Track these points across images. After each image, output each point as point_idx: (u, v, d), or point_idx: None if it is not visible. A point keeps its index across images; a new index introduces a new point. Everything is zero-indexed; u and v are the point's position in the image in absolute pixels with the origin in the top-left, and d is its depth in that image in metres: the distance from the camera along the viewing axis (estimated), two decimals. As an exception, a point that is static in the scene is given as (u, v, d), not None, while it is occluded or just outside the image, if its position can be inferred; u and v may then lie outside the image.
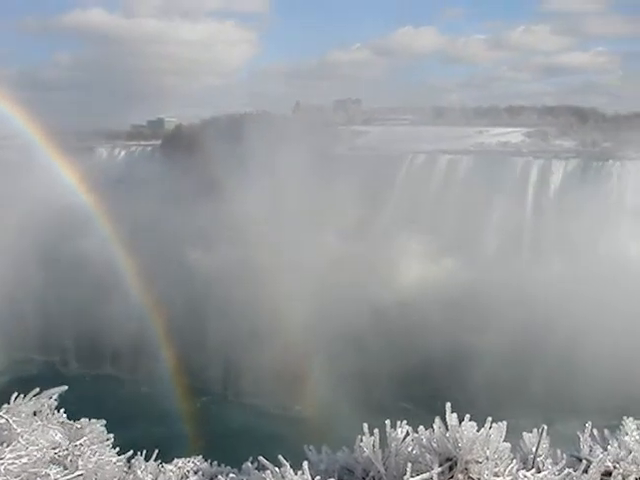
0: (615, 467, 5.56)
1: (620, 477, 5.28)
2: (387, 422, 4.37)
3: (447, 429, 4.18)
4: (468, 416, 4.16)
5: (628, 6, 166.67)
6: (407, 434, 4.45)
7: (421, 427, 4.30)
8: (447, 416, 4.14)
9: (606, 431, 5.90)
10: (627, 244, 54.38)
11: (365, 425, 4.20)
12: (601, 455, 5.59)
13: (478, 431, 4.18)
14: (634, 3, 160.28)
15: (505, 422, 4.30)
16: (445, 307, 47.59)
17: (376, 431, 4.29)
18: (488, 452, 4.21)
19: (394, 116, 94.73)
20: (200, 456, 6.72)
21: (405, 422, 4.45)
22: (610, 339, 40.97)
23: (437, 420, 4.17)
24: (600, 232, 54.62)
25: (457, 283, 51.36)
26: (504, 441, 4.32)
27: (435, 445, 4.24)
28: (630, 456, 5.72)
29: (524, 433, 4.86)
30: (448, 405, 4.16)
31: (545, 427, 4.92)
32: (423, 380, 40.95)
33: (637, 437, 5.95)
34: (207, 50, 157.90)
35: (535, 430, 4.96)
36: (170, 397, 42.46)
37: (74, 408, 6.03)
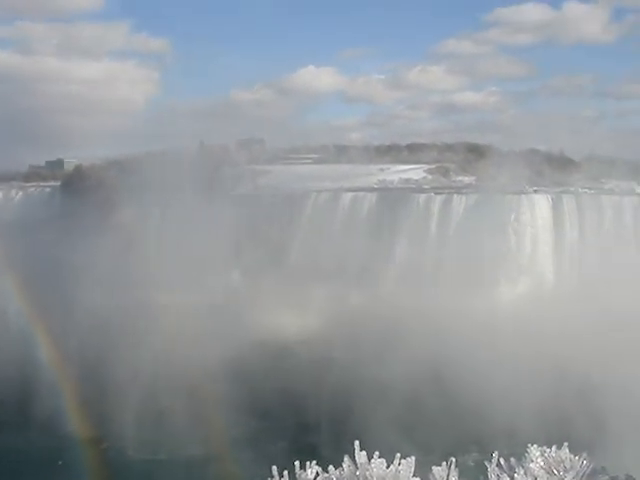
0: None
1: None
2: (296, 463, 4.30)
3: (357, 467, 4.15)
4: (377, 453, 4.14)
5: (515, 49, 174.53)
6: (317, 474, 4.39)
7: (330, 467, 4.24)
8: (356, 454, 4.11)
9: (512, 459, 5.99)
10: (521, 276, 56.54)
11: (274, 468, 4.12)
12: (508, 484, 5.66)
13: (388, 467, 4.17)
14: (520, 47, 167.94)
15: (413, 457, 4.30)
16: (350, 343, 47.81)
17: (286, 473, 4.21)
18: (398, 488, 4.20)
19: (297, 155, 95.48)
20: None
21: (315, 462, 4.39)
22: (512, 368, 41.82)
23: (346, 459, 4.13)
24: (499, 264, 56.37)
25: (362, 317, 51.69)
26: (414, 476, 4.32)
27: (346, 484, 4.20)
28: (535, 483, 5.83)
29: (433, 467, 4.87)
30: (356, 443, 4.13)
31: (454, 460, 4.95)
32: (329, 417, 40.63)
33: (542, 464, 6.08)
34: (109, 89, 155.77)
35: (444, 463, 4.98)
36: (65, 448, 40.59)
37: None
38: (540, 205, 59.11)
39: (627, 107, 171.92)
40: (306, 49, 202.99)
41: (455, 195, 62.90)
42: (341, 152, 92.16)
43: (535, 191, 60.08)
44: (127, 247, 59.36)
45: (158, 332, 48.93)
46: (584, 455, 6.20)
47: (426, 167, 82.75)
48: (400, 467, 4.24)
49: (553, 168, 61.77)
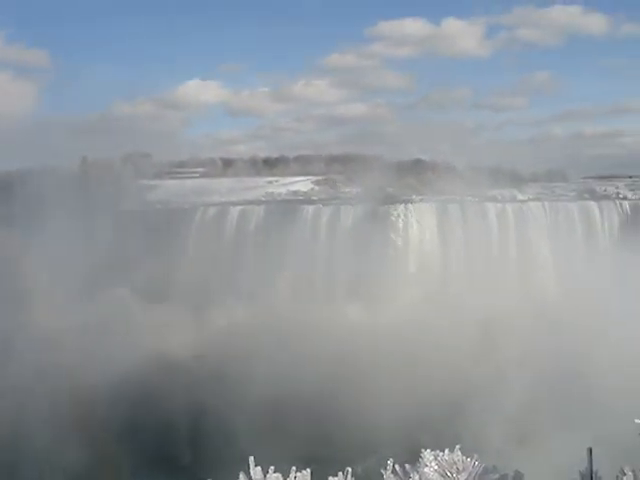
0: (417, 499, 5.71)
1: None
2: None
3: (252, 483, 4.08)
4: (272, 468, 4.09)
5: (398, 63, 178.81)
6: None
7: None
8: (251, 470, 4.04)
9: (407, 465, 6.06)
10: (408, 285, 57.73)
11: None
12: (404, 490, 5.72)
13: (284, 482, 4.12)
14: (403, 60, 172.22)
15: (309, 470, 4.26)
16: (241, 358, 47.49)
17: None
18: (295, 501, 4.15)
19: (184, 169, 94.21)
20: None
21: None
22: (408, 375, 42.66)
23: (241, 475, 4.05)
24: (386, 273, 57.34)
25: (252, 331, 51.47)
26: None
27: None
28: (431, 487, 5.90)
29: (330, 478, 4.85)
30: (251, 459, 4.06)
31: (350, 470, 4.94)
32: (219, 432, 40.16)
33: (436, 467, 6.17)
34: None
35: (340, 474, 4.97)
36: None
37: None
38: (426, 214, 60.65)
39: (504, 118, 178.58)
40: (190, 62, 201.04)
41: (342, 206, 63.60)
42: (228, 165, 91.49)
43: (421, 200, 61.44)
44: (5, 267, 56.96)
45: (42, 355, 47.29)
46: (475, 456, 6.34)
47: (314, 179, 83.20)
48: (296, 480, 4.20)
49: (437, 177, 63.42)
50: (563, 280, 52.76)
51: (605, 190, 67.56)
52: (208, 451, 38.05)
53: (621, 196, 64.77)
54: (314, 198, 71.13)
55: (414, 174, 63.16)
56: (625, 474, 5.79)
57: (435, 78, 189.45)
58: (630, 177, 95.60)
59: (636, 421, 7.09)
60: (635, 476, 5.82)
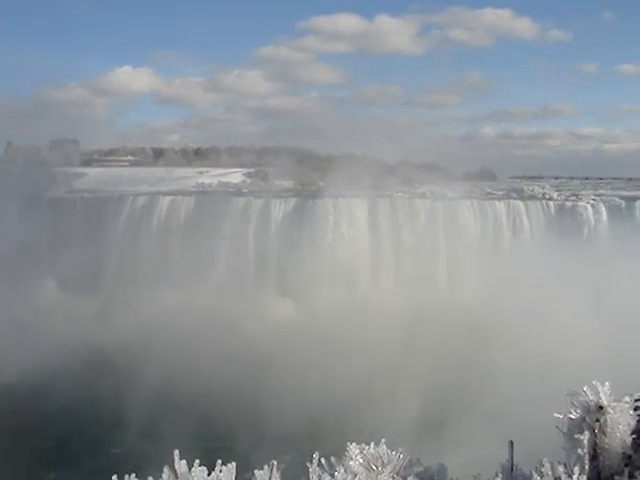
0: (343, 492, 5.75)
1: (347, 501, 5.46)
2: (114, 478, 4.11)
3: (177, 477, 4.04)
4: (198, 461, 4.05)
5: (332, 57, 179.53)
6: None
7: (150, 478, 4.11)
8: (176, 464, 4.00)
9: (333, 458, 6.09)
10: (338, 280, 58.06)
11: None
12: (329, 483, 5.74)
13: (209, 475, 4.09)
14: (336, 55, 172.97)
15: (234, 463, 4.25)
16: (168, 348, 47.02)
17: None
18: (220, 495, 4.13)
19: (114, 157, 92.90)
20: None
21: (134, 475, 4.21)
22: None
23: (166, 469, 4.00)
24: (317, 268, 57.47)
25: (181, 323, 50.97)
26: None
27: (166, 495, 4.07)
28: (355, 479, 5.95)
29: (256, 470, 4.84)
30: (176, 452, 4.02)
31: (275, 462, 4.94)
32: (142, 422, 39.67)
33: (361, 460, 6.22)
34: None
35: (266, 466, 4.97)
36: None
37: None
38: (357, 208, 61.01)
39: (436, 116, 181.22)
40: (122, 49, 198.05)
41: (273, 199, 63.51)
42: (159, 155, 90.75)
43: (352, 195, 61.77)
44: None
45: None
46: (400, 450, 6.41)
47: (245, 171, 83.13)
48: (221, 474, 4.17)
49: (369, 172, 63.83)
50: (489, 277, 53.82)
51: (532, 190, 69.21)
52: (129, 446, 37.52)
53: (547, 197, 66.41)
54: (245, 190, 70.93)
55: (346, 168, 63.37)
56: (543, 465, 5.96)
57: (368, 74, 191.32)
58: (556, 178, 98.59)
59: (554, 415, 7.27)
60: (553, 467, 6.00)
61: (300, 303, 55.12)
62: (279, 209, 61.84)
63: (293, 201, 62.96)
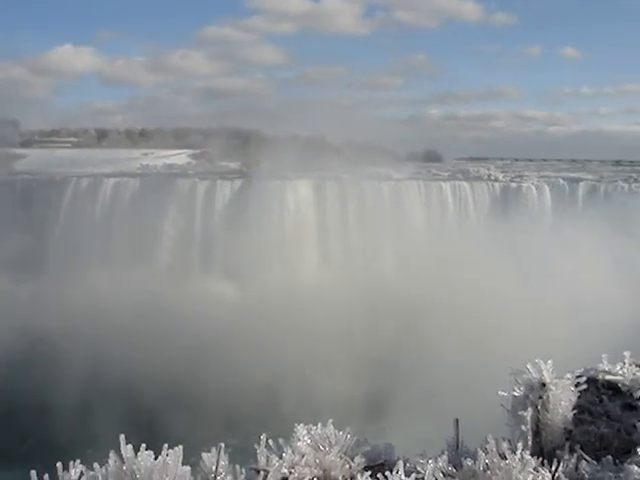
0: (291, 472, 5.77)
1: (296, 481, 5.49)
2: (59, 464, 4.04)
3: (123, 462, 3.99)
4: (144, 445, 4.02)
5: (278, 38, 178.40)
6: (82, 474, 4.16)
7: (95, 464, 4.04)
8: (122, 448, 3.96)
9: (280, 440, 6.11)
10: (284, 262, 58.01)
11: (33, 472, 3.81)
12: (277, 463, 5.76)
13: (156, 459, 4.06)
14: (282, 35, 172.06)
15: (181, 446, 4.22)
16: (102, 333, 46.43)
17: (46, 476, 3.94)
18: (167, 479, 4.10)
19: (56, 138, 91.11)
20: None
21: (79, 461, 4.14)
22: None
23: (112, 454, 3.96)
24: (263, 251, 57.25)
25: (124, 307, 50.24)
26: (184, 465, 4.25)
27: (112, 481, 4.03)
28: (303, 460, 5.98)
29: (203, 453, 4.82)
30: (122, 437, 3.97)
31: (223, 445, 4.92)
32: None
33: (309, 441, 6.25)
34: None
35: (214, 449, 4.95)
36: None
37: None
38: (303, 190, 60.97)
39: (382, 97, 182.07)
40: (63, 26, 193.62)
41: (219, 181, 63.03)
42: (103, 136, 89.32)
43: (298, 176, 61.71)
44: None
45: None
46: (348, 430, 6.46)
47: (190, 152, 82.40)
48: (168, 457, 4.14)
49: (316, 154, 63.82)
50: (435, 256, 54.46)
51: (478, 171, 70.14)
52: (56, 433, 36.82)
53: (492, 178, 67.40)
54: (190, 172, 70.29)
55: (292, 150, 63.22)
56: (488, 442, 6.05)
57: (314, 55, 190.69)
58: (501, 159, 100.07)
59: (499, 392, 7.39)
60: (497, 444, 6.09)
61: (245, 285, 54.90)
62: (225, 191, 61.44)
63: (239, 183, 62.60)
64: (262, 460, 5.79)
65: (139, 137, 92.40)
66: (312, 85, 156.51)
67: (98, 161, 71.45)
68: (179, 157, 79.37)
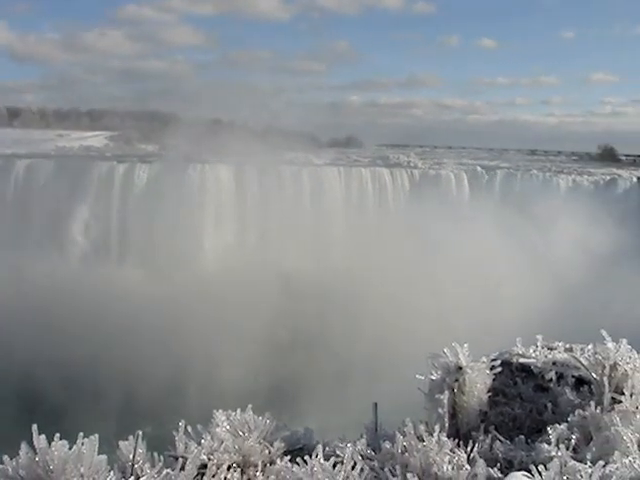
0: (210, 459, 5.75)
1: (215, 467, 5.46)
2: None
3: (36, 453, 3.88)
4: (58, 435, 3.91)
5: (198, 20, 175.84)
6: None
7: (6, 457, 3.91)
8: (34, 439, 3.84)
9: (199, 426, 6.06)
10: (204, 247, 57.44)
11: None
12: (196, 450, 5.72)
13: (70, 449, 3.96)
14: (202, 17, 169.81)
15: (97, 435, 4.13)
16: (28, 316, 45.05)
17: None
18: (82, 469, 4.01)
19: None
20: None
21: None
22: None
23: (23, 445, 3.84)
24: (184, 236, 56.43)
25: (43, 290, 48.79)
26: (99, 454, 4.16)
27: (24, 473, 3.90)
28: (222, 446, 5.96)
29: (120, 442, 4.74)
30: (34, 427, 3.85)
31: (140, 433, 4.85)
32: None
33: (228, 427, 6.23)
34: None
35: (131, 437, 4.88)
36: None
37: None
38: (223, 175, 60.39)
39: (303, 83, 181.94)
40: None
41: (138, 164, 61.81)
42: (14, 115, 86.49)
43: (218, 161, 61.10)
44: None
45: None
46: (267, 415, 6.46)
47: (108, 134, 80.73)
48: (83, 447, 4.04)
49: (235, 138, 63.25)
50: (354, 240, 54.90)
51: (398, 158, 70.96)
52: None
53: (412, 165, 68.29)
54: (108, 154, 68.84)
55: (212, 134, 62.57)
56: (406, 425, 6.17)
57: (235, 38, 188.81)
58: (421, 147, 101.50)
59: (417, 376, 7.52)
60: (415, 427, 6.21)
61: (161, 272, 53.86)
62: (143, 175, 60.26)
63: (158, 166, 61.50)
64: (180, 447, 5.74)
65: (53, 117, 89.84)
66: (233, 69, 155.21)
67: (10, 141, 69.20)
68: (96, 139, 77.68)
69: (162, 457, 5.20)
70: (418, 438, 5.98)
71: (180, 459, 5.40)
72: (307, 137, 75.69)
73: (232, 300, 46.17)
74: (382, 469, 5.89)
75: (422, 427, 6.22)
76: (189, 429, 5.63)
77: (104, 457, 4.24)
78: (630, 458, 5.69)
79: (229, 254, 57.86)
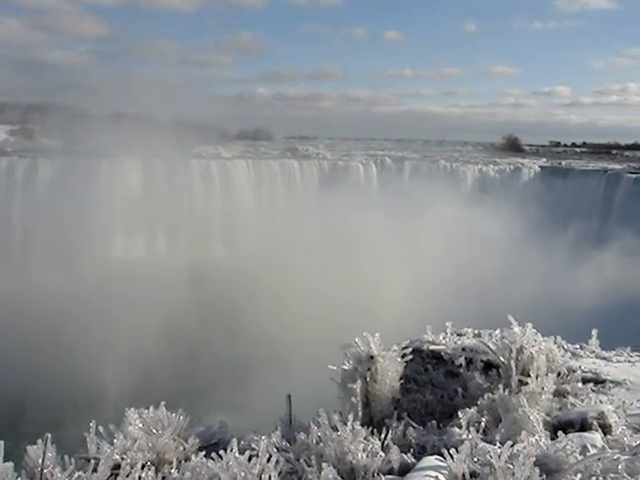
0: (123, 458, 5.66)
1: (128, 467, 5.37)
2: None
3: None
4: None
5: (101, 10, 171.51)
6: None
7: None
8: None
9: (111, 426, 5.95)
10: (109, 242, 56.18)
11: None
12: (108, 450, 5.62)
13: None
14: (105, 7, 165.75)
15: (1, 441, 4.00)
16: None
17: None
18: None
19: None
20: None
21: None
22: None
23: None
24: (89, 234, 54.88)
25: None
26: (5, 461, 4.04)
27: None
28: (136, 445, 5.88)
29: (28, 447, 4.61)
30: None
31: (49, 435, 4.73)
32: None
33: (140, 425, 6.14)
34: None
35: (39, 441, 4.75)
36: None
37: None
38: (130, 170, 59.11)
39: (210, 75, 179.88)
40: None
41: (41, 159, 59.89)
42: None
43: (125, 155, 59.79)
44: None
45: None
46: (180, 411, 6.41)
47: (8, 128, 77.92)
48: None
49: (143, 132, 62.03)
50: (264, 235, 54.85)
51: (307, 150, 71.20)
52: None
53: (321, 156, 68.67)
54: (8, 149, 66.48)
55: (117, 128, 61.20)
56: (320, 415, 6.22)
57: (139, 29, 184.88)
58: (330, 139, 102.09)
59: (329, 366, 7.58)
60: (329, 417, 6.26)
61: (68, 272, 52.25)
62: (47, 170, 58.41)
63: (61, 161, 59.68)
64: (92, 448, 5.63)
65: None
66: (138, 61, 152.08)
67: None
68: (-4, 133, 74.92)
69: (74, 460, 5.08)
70: (332, 428, 6.04)
71: (92, 461, 5.30)
72: (215, 130, 75.05)
73: (139, 298, 45.19)
74: (297, 460, 5.93)
75: (336, 417, 6.29)
76: (101, 429, 5.52)
77: (10, 464, 4.11)
78: (536, 437, 5.91)
79: (137, 250, 56.82)
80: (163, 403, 6.35)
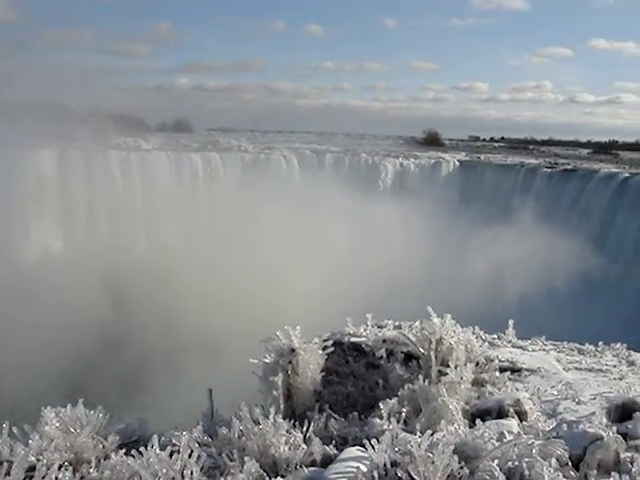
0: (39, 459, 5.50)
1: (44, 468, 5.23)
2: None
3: None
4: None
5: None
6: None
7: None
8: None
9: (25, 426, 5.79)
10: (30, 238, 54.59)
11: None
12: (23, 452, 5.46)
13: None
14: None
15: None
16: None
17: None
18: None
19: None
20: None
21: None
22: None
23: None
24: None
25: None
26: None
27: None
28: (52, 445, 5.72)
29: None
30: None
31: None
32: None
33: (58, 424, 5.98)
34: None
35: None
36: None
37: None
38: (45, 161, 57.39)
39: (128, 65, 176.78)
40: None
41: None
42: None
43: (40, 146, 57.93)
44: None
45: None
46: (99, 408, 6.28)
47: None
48: None
49: (58, 122, 60.27)
50: (185, 225, 54.40)
51: (228, 143, 70.75)
52: None
53: (243, 149, 68.36)
54: None
55: (31, 117, 59.22)
56: (242, 409, 6.21)
57: (52, 15, 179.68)
58: (251, 131, 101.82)
59: (250, 360, 7.58)
60: (250, 411, 6.27)
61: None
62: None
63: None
64: (5, 450, 5.46)
65: None
66: (53, 48, 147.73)
67: None
68: None
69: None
70: (254, 422, 6.03)
71: (5, 463, 5.14)
72: (135, 121, 73.69)
73: (53, 297, 43.99)
74: (220, 455, 5.90)
75: (258, 410, 6.28)
76: (14, 430, 5.35)
77: None
78: (455, 425, 6.03)
79: (53, 247, 55.29)
80: (81, 401, 6.21)
